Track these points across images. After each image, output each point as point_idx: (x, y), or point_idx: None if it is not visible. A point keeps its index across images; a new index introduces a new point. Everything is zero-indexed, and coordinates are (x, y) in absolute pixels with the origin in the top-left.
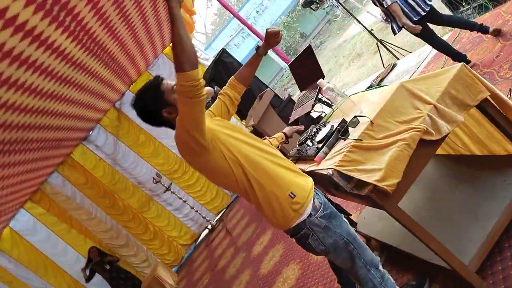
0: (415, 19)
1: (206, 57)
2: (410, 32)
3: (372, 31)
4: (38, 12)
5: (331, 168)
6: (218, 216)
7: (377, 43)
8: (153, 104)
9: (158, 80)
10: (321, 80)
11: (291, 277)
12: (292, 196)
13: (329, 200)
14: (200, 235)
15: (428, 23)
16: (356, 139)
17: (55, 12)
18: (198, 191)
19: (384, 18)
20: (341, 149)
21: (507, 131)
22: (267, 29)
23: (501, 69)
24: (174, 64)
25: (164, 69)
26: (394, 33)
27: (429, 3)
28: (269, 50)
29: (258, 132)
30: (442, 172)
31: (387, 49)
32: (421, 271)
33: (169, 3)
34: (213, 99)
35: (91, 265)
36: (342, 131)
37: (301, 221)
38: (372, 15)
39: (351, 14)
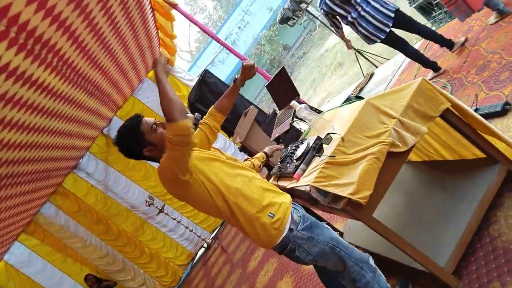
0: (383, 37)
1: (190, 77)
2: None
3: (349, 42)
4: (20, 53)
5: (309, 185)
6: (213, 234)
7: (355, 53)
8: (134, 144)
9: (137, 119)
10: (293, 102)
11: None
12: (272, 216)
13: (309, 211)
14: (196, 254)
15: (396, 31)
16: (329, 156)
17: (36, 50)
18: (192, 210)
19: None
20: (317, 165)
21: (470, 138)
22: (242, 63)
23: (469, 74)
24: (165, 117)
25: (150, 92)
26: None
27: (391, 15)
28: None
29: (246, 148)
30: (419, 178)
31: (366, 58)
32: (404, 275)
33: (156, 69)
34: (195, 125)
35: None
36: (317, 148)
37: (284, 237)
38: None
39: (327, 27)
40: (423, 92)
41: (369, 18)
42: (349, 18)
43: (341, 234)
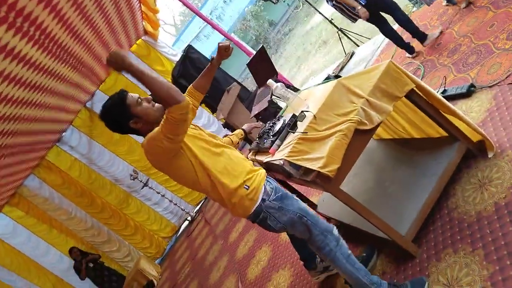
0: (363, 3)
1: (174, 52)
2: (363, 19)
3: (332, 20)
4: (2, 25)
5: (282, 159)
6: (197, 208)
7: (337, 32)
8: (120, 117)
9: (123, 94)
10: (270, 80)
11: (263, 258)
12: (247, 188)
13: (285, 184)
14: (180, 227)
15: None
16: (302, 132)
17: (18, 23)
18: (176, 184)
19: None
20: (290, 141)
21: (433, 117)
22: (218, 43)
23: (441, 57)
24: (164, 101)
25: None
26: (353, 21)
27: None
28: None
29: (229, 125)
30: (388, 154)
31: (348, 37)
32: (371, 244)
33: (123, 64)
34: None
35: (74, 264)
36: (292, 125)
37: (257, 206)
38: None
39: (311, 5)
40: (390, 73)
41: None
42: None
43: (315, 206)
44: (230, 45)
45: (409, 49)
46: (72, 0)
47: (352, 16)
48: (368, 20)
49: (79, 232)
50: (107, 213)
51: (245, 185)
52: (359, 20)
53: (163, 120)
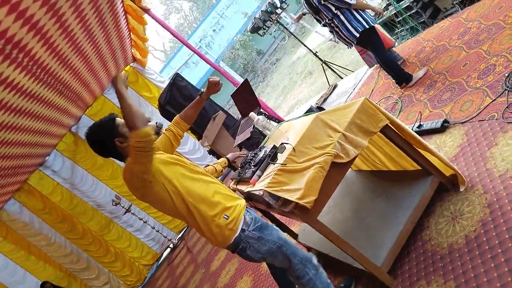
0: (360, 30)
1: (161, 79)
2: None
3: (316, 53)
4: None
5: (262, 189)
6: (180, 235)
7: (322, 64)
8: (107, 135)
9: (113, 115)
10: (252, 113)
11: None
12: (226, 217)
13: (267, 214)
14: (162, 254)
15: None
16: (281, 164)
17: (7, 50)
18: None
19: (333, 38)
20: (270, 172)
21: (407, 152)
22: (208, 78)
23: (418, 92)
24: (129, 127)
25: None
26: (349, 47)
27: (356, 34)
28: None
29: (214, 152)
30: (366, 186)
31: (332, 70)
32: (350, 274)
33: (117, 85)
34: (157, 133)
35: None
36: (272, 156)
37: (236, 236)
38: (320, 35)
39: (296, 38)
40: (365, 110)
41: (341, 27)
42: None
43: (296, 235)
44: (220, 81)
45: (403, 76)
46: (62, 29)
47: (348, 41)
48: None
49: (58, 259)
50: (87, 239)
51: (225, 214)
52: (345, 52)
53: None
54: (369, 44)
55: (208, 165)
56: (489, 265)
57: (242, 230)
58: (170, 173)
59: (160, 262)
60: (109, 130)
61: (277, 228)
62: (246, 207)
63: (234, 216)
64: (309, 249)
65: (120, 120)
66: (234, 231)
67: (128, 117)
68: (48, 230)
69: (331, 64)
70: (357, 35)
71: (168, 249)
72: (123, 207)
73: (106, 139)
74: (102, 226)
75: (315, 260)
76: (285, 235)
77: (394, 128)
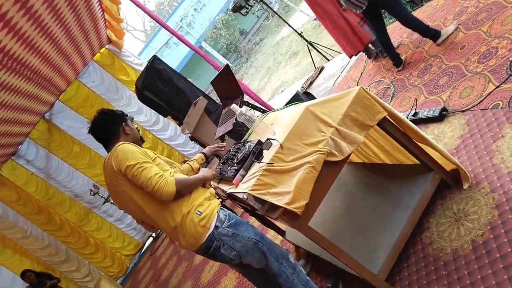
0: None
1: (139, 62)
2: None
3: (301, 34)
4: None
5: (246, 193)
6: None
7: (307, 45)
8: (118, 117)
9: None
10: (233, 105)
11: (229, 286)
12: (199, 213)
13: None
14: (144, 243)
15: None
16: (267, 163)
17: None
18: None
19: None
20: (255, 172)
21: (406, 146)
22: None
23: (411, 76)
24: (176, 189)
25: (96, 76)
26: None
27: None
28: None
29: (196, 140)
30: (358, 180)
31: (317, 51)
32: (338, 275)
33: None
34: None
35: None
36: (257, 153)
37: (209, 234)
38: (305, 14)
39: (280, 18)
40: (361, 100)
41: None
42: None
43: (283, 232)
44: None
45: (397, 61)
46: (27, 13)
47: (358, 4)
48: (364, 14)
49: (35, 252)
50: (66, 230)
51: (197, 210)
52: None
53: (144, 177)
54: (386, 3)
55: (185, 162)
56: (501, 277)
57: (216, 227)
58: None
59: (142, 252)
60: (120, 116)
61: (252, 224)
62: (220, 206)
63: (207, 213)
64: (297, 247)
65: (129, 117)
66: (207, 228)
67: (186, 187)
68: (23, 223)
69: (316, 45)
70: None
71: (151, 238)
72: (102, 196)
73: (115, 122)
74: (81, 216)
75: (291, 257)
76: (260, 231)
77: (392, 121)
